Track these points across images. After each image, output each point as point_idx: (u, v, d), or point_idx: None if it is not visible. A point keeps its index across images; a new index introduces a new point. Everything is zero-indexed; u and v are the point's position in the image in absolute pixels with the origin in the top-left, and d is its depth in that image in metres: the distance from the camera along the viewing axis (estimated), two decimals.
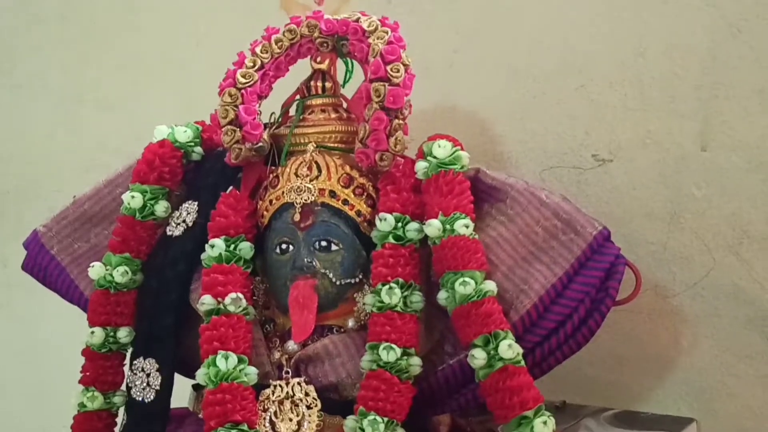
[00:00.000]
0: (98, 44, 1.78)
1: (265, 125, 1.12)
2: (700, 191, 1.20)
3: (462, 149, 1.06)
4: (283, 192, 1.07)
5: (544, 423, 0.94)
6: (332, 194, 1.06)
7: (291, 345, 1.05)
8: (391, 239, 1.03)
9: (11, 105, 1.91)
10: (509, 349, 0.95)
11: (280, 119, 1.15)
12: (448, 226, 1.00)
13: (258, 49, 1.11)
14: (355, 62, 1.14)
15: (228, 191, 1.11)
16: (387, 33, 1.05)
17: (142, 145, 1.18)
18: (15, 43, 1.90)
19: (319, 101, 1.13)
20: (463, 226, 1.00)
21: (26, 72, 1.89)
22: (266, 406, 1.02)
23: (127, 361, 1.13)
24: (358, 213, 1.06)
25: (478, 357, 0.96)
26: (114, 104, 1.75)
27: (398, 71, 1.02)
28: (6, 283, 1.91)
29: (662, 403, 1.26)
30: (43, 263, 1.21)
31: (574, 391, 1.28)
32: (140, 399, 1.09)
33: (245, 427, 0.98)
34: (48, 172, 1.84)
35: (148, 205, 1.13)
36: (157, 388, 1.08)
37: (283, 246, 1.07)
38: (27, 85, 1.89)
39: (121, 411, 1.13)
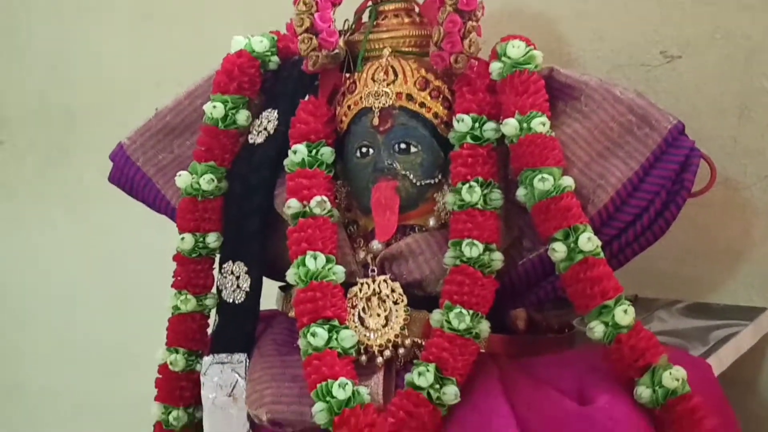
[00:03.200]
0: None
1: (340, 32, 1.14)
2: None
3: (535, 49, 1.07)
4: (361, 97, 1.09)
5: (625, 311, 0.97)
6: (409, 97, 1.08)
7: (375, 244, 1.09)
8: (468, 139, 1.05)
9: (79, 26, 1.94)
10: (589, 241, 0.98)
11: (353, 26, 1.16)
12: (525, 125, 1.02)
13: None
14: None
15: (306, 98, 1.13)
16: None
17: (210, 58, 1.21)
18: None
19: (391, 6, 1.14)
20: (540, 123, 1.02)
21: None
22: (354, 303, 1.06)
23: (216, 265, 1.17)
24: (435, 115, 1.08)
25: (558, 250, 0.99)
26: (182, 19, 1.77)
27: None
28: (83, 197, 1.96)
29: (734, 294, 1.28)
30: (129, 174, 1.25)
31: (646, 284, 1.31)
32: (231, 301, 1.13)
33: (336, 322, 1.02)
34: (119, 89, 1.87)
35: (230, 114, 1.16)
36: (247, 289, 1.12)
37: (363, 150, 1.09)
38: (94, 5, 1.91)
39: (213, 313, 1.18)
